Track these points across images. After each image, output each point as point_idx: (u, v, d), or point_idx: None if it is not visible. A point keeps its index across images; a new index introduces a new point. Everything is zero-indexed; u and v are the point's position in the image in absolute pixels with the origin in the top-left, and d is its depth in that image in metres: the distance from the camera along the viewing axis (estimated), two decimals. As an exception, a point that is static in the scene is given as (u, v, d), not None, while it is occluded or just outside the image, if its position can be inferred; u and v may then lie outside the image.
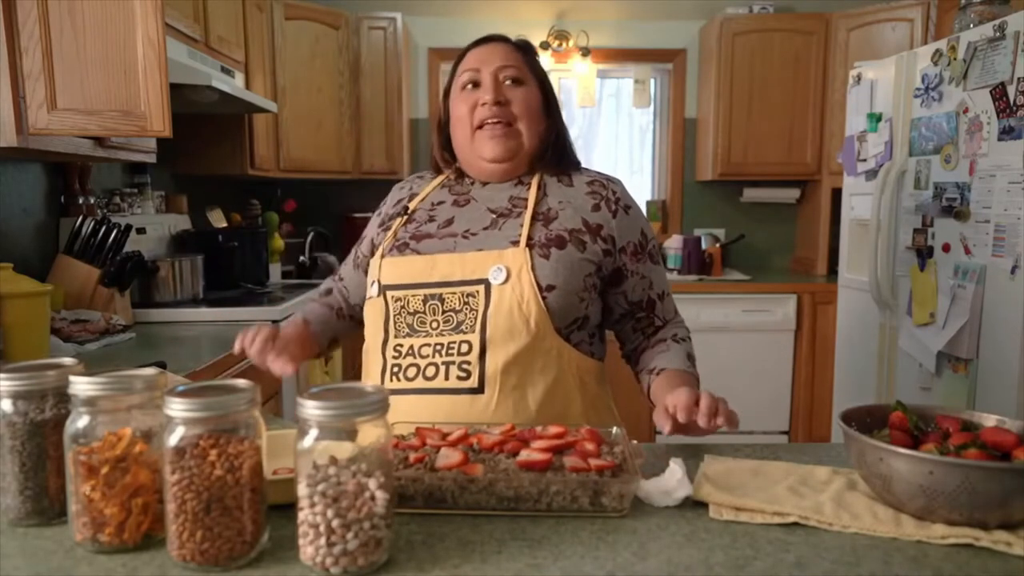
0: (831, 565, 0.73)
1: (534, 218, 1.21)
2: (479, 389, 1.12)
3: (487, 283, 1.15)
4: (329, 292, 1.45)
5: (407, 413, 1.11)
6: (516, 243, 1.18)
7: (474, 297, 1.15)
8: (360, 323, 1.34)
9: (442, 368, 1.14)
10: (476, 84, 1.26)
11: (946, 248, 2.33)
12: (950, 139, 2.30)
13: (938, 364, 2.35)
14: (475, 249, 1.19)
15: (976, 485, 0.76)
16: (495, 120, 1.23)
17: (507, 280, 1.14)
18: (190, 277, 2.55)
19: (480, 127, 1.25)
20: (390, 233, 1.28)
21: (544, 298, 1.14)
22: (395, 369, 1.17)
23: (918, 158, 2.47)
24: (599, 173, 1.32)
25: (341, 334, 1.42)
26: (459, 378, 1.13)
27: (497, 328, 1.13)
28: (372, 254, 1.30)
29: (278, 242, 3.38)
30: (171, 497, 0.71)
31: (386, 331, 1.20)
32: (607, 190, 1.27)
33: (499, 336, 1.13)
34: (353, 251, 1.43)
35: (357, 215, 3.78)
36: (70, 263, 2.12)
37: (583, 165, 1.35)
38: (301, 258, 3.54)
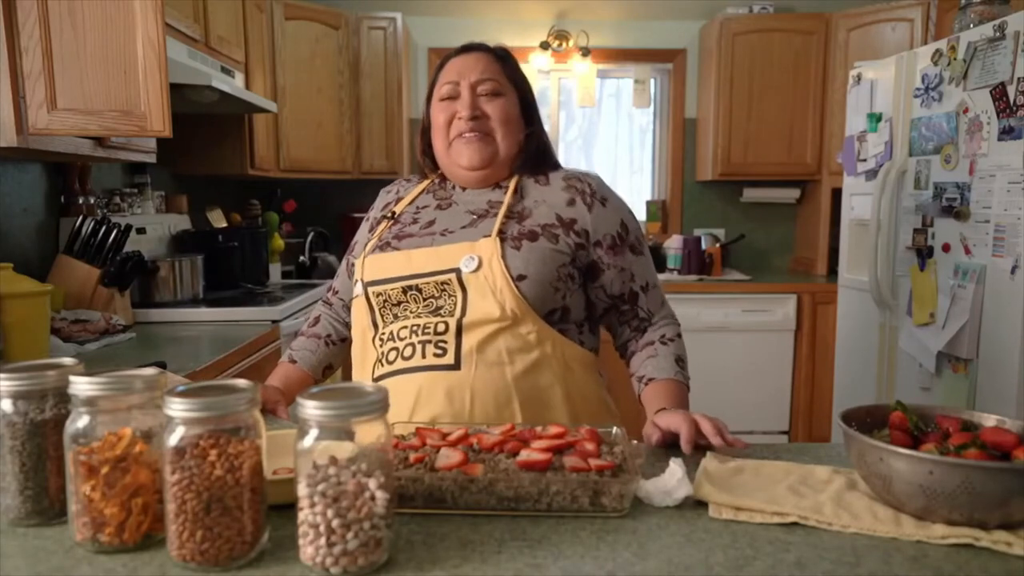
0: (831, 565, 0.73)
1: (508, 216, 1.24)
2: (455, 365, 1.15)
3: (459, 271, 1.18)
4: (317, 320, 1.43)
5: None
6: (488, 236, 1.20)
7: (449, 284, 1.18)
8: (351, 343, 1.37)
9: (419, 347, 1.16)
10: (454, 96, 1.28)
11: (946, 248, 2.33)
12: (950, 139, 2.30)
13: (938, 364, 2.35)
14: (449, 243, 1.22)
15: (976, 485, 0.76)
16: (472, 134, 1.26)
17: (478, 268, 1.17)
18: (190, 277, 2.55)
19: (460, 136, 1.27)
20: (375, 235, 1.31)
21: (517, 287, 1.16)
22: (380, 356, 1.21)
23: (918, 158, 2.47)
24: (576, 170, 1.34)
25: (335, 360, 1.42)
26: (435, 355, 1.15)
27: (474, 313, 1.16)
28: None
29: (278, 242, 3.38)
30: (171, 497, 0.71)
31: (375, 326, 1.23)
32: (583, 183, 1.29)
33: (476, 319, 1.16)
34: (345, 260, 1.44)
35: (357, 215, 3.77)
36: (70, 263, 2.12)
37: (567, 166, 1.37)
38: (301, 258, 3.54)
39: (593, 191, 1.28)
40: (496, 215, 1.24)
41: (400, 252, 1.24)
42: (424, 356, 1.15)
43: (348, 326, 1.42)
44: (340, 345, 1.42)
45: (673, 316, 1.35)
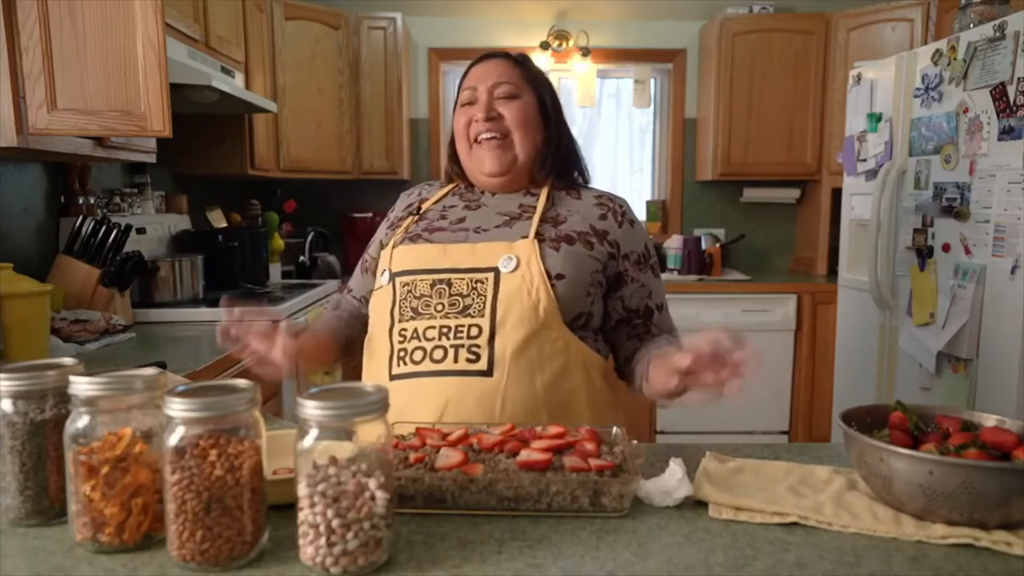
0: (831, 565, 0.73)
1: (543, 220, 1.26)
2: (488, 372, 1.14)
3: (496, 271, 1.18)
4: (338, 306, 1.45)
5: (413, 396, 1.14)
6: (526, 237, 1.22)
7: (483, 283, 1.18)
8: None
9: (450, 351, 1.16)
10: (473, 101, 1.31)
11: (946, 248, 2.33)
12: (950, 139, 2.30)
13: (938, 364, 2.35)
14: (486, 242, 1.23)
15: (976, 485, 0.76)
16: (490, 135, 1.29)
17: (516, 268, 1.18)
18: (190, 277, 2.55)
19: (477, 142, 1.30)
20: (400, 229, 1.32)
21: (553, 286, 1.17)
22: (401, 353, 1.19)
23: (918, 158, 2.47)
24: (606, 191, 1.38)
25: (355, 339, 1.38)
26: (468, 360, 1.15)
27: (507, 313, 1.16)
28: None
29: (278, 242, 3.38)
30: (171, 497, 0.71)
31: (392, 317, 1.22)
32: (614, 203, 1.33)
33: (508, 321, 1.16)
34: (360, 261, 1.45)
35: (357, 215, 3.77)
36: (70, 263, 2.12)
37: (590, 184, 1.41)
38: (301, 258, 3.54)
39: (623, 211, 1.32)
40: (530, 218, 1.26)
41: (434, 245, 1.24)
42: (456, 361, 1.15)
43: (365, 315, 1.41)
44: (360, 326, 1.39)
45: (679, 339, 1.36)
